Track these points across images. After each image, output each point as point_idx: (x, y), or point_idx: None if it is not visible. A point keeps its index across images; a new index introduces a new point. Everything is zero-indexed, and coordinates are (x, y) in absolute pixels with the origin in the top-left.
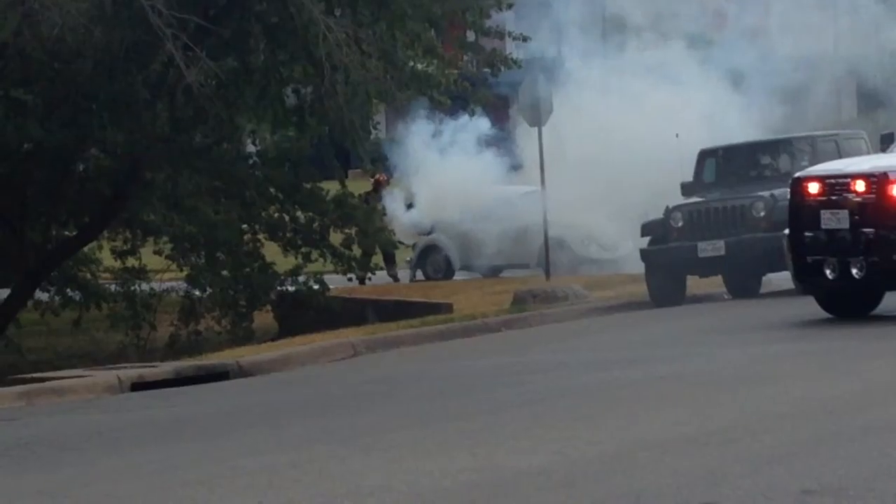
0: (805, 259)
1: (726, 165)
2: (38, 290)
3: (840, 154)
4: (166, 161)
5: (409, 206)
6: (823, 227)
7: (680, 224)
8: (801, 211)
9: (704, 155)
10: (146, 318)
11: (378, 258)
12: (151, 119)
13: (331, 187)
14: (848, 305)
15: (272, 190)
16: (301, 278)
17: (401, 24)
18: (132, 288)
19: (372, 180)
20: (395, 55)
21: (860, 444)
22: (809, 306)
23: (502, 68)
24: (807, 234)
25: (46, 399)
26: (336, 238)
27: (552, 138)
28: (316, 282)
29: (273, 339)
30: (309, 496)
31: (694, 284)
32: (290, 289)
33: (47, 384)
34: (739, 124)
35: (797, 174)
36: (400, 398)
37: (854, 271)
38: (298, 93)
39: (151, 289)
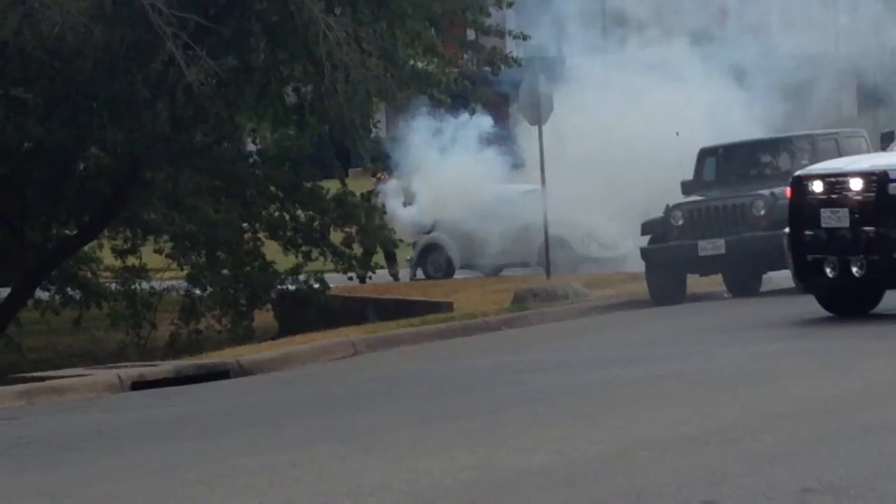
0: (805, 257)
1: (726, 164)
2: (38, 289)
3: (840, 152)
4: (167, 160)
5: (406, 204)
6: (824, 225)
7: (680, 223)
8: (802, 209)
9: (704, 153)
10: (146, 317)
11: (379, 257)
12: (152, 118)
13: (331, 186)
14: (848, 304)
15: (272, 189)
16: (301, 277)
17: (401, 22)
18: (132, 287)
19: (374, 179)
20: (396, 54)
21: (861, 444)
22: (810, 305)
23: (502, 67)
24: (807, 232)
25: (47, 398)
26: (336, 237)
27: (553, 137)
28: (316, 281)
29: (273, 338)
30: (309, 495)
31: (694, 283)
32: (291, 288)
33: (47, 383)
34: (740, 122)
35: (797, 173)
36: (400, 397)
37: (854, 270)
38: (299, 91)
39: (152, 288)
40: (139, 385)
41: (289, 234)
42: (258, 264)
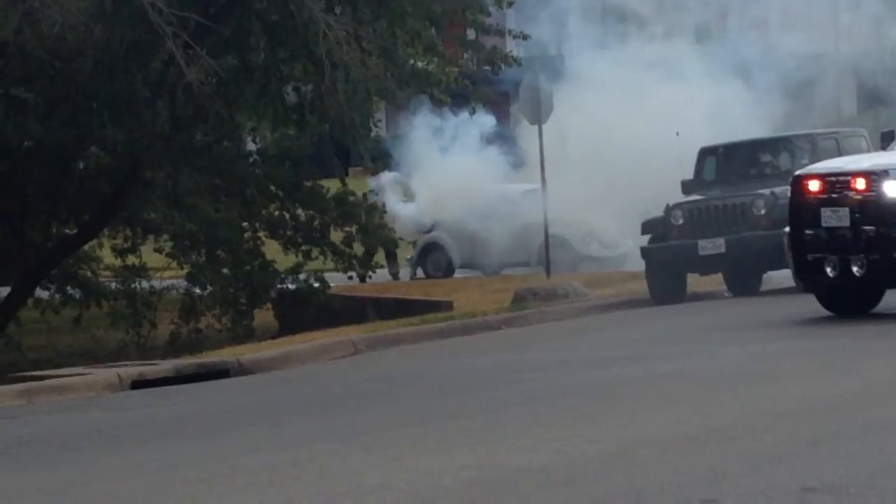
0: (805, 257)
1: (727, 163)
2: (38, 288)
3: (840, 152)
4: (167, 159)
5: (404, 200)
6: (824, 224)
7: (680, 222)
8: (802, 209)
9: (705, 153)
10: (146, 316)
11: (380, 256)
12: (152, 117)
13: (331, 185)
14: (848, 303)
15: (272, 188)
16: (301, 276)
17: (401, 21)
18: (133, 286)
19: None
20: (396, 53)
21: (861, 443)
22: (810, 304)
23: (502, 66)
24: (807, 231)
25: (47, 397)
26: (336, 236)
27: (553, 136)
28: (316, 280)
29: (273, 337)
30: (309, 494)
31: (694, 282)
32: (291, 287)
33: (47, 382)
34: (741, 121)
35: (798, 172)
36: (400, 396)
37: (855, 269)
38: (299, 91)
39: (152, 287)
40: (139, 384)
41: (289, 233)
42: (258, 263)
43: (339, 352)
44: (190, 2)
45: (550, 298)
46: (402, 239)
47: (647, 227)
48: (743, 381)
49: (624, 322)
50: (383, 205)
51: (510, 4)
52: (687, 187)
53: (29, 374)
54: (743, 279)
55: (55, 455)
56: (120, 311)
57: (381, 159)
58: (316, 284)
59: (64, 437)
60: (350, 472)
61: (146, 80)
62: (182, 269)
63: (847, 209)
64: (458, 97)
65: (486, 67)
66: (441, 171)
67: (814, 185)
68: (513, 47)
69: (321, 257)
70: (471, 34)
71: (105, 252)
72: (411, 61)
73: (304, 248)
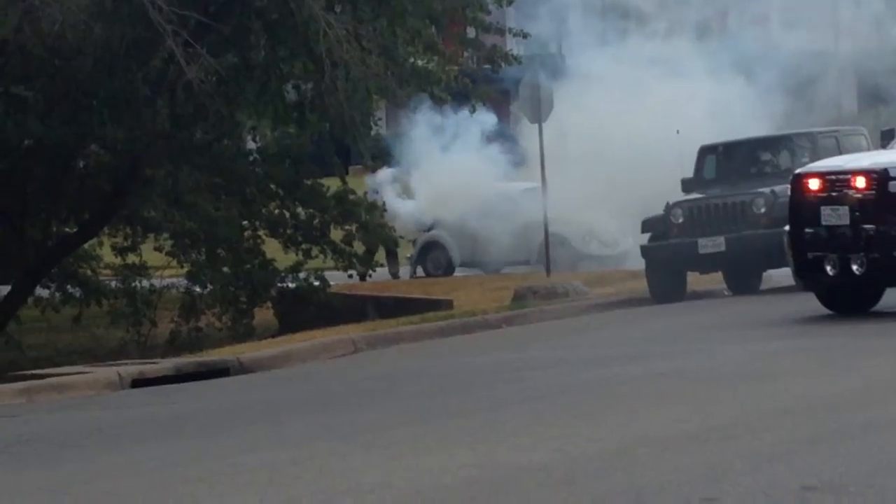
0: (805, 255)
1: (727, 162)
2: (38, 287)
3: (840, 150)
4: (166, 158)
5: (402, 196)
6: (824, 223)
7: (680, 220)
8: (802, 207)
9: (705, 151)
10: (147, 315)
11: (380, 255)
12: (152, 116)
13: (331, 184)
14: (848, 302)
15: (273, 186)
16: (301, 275)
17: (401, 20)
18: (133, 284)
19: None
20: (396, 51)
21: (860, 441)
22: (810, 303)
23: (503, 64)
24: (807, 230)
25: (47, 395)
26: (337, 235)
27: (553, 134)
28: (316, 278)
29: (273, 336)
30: (309, 493)
31: (694, 281)
32: (291, 285)
33: (47, 381)
34: (742, 119)
35: (797, 170)
36: (400, 395)
37: (854, 268)
38: (299, 89)
39: (152, 285)
40: (139, 382)
41: (289, 231)
42: (258, 262)
43: (339, 350)
44: (190, 0)
45: (550, 297)
46: (402, 237)
47: (647, 225)
48: (743, 379)
49: (624, 321)
50: (383, 203)
51: (510, 3)
52: (687, 186)
53: (29, 372)
54: (743, 278)
55: (55, 453)
56: (120, 310)
57: (382, 157)
58: (316, 283)
59: (64, 436)
60: (350, 471)
61: (146, 78)
62: (182, 267)
63: (847, 208)
64: (458, 95)
65: (487, 66)
66: (441, 170)
67: (814, 184)
68: (513, 46)
69: (321, 256)
70: (471, 32)
71: (105, 250)
72: (411, 60)
73: (304, 246)
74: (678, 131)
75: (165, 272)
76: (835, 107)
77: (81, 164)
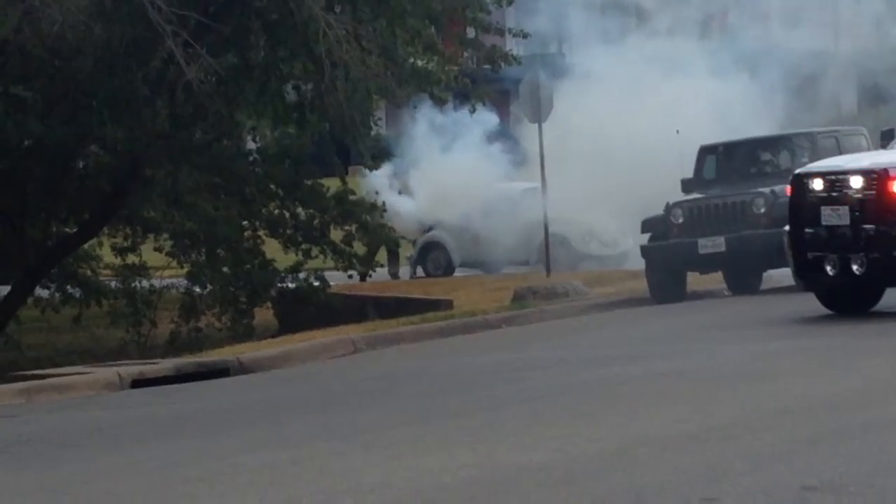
0: (805, 255)
1: (726, 162)
2: (38, 287)
3: (840, 150)
4: (166, 158)
5: (400, 192)
6: (824, 223)
7: (680, 220)
8: (802, 207)
9: (705, 151)
10: (147, 315)
11: (381, 255)
12: (151, 116)
13: (331, 184)
14: (848, 302)
15: (272, 186)
16: (301, 275)
17: (401, 20)
18: (133, 285)
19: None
20: (395, 52)
21: (861, 441)
22: (810, 303)
23: (502, 65)
24: (807, 230)
25: (47, 396)
26: (336, 235)
27: (553, 134)
28: (316, 279)
29: (273, 336)
30: (310, 493)
31: (694, 281)
32: (291, 285)
33: (47, 381)
34: (742, 119)
35: (797, 170)
36: (400, 395)
37: (855, 268)
38: (299, 89)
39: (152, 285)
40: (139, 383)
41: (289, 231)
42: (258, 262)
43: (339, 350)
44: (190, 0)
45: (550, 297)
46: (403, 237)
47: (647, 225)
48: (743, 379)
49: (624, 321)
50: (383, 203)
51: (510, 3)
52: (687, 186)
53: (29, 372)
54: (743, 278)
55: (55, 454)
56: (120, 310)
57: (381, 157)
58: (316, 283)
59: (64, 436)
60: (350, 471)
61: (146, 78)
62: (182, 267)
63: (847, 208)
64: (459, 95)
65: (486, 66)
66: (441, 170)
67: (814, 184)
68: (512, 46)
69: (321, 256)
70: (470, 33)
71: (105, 251)
72: (411, 60)
73: (303, 246)
74: (678, 131)
75: (165, 272)
76: (835, 106)
77: (81, 164)
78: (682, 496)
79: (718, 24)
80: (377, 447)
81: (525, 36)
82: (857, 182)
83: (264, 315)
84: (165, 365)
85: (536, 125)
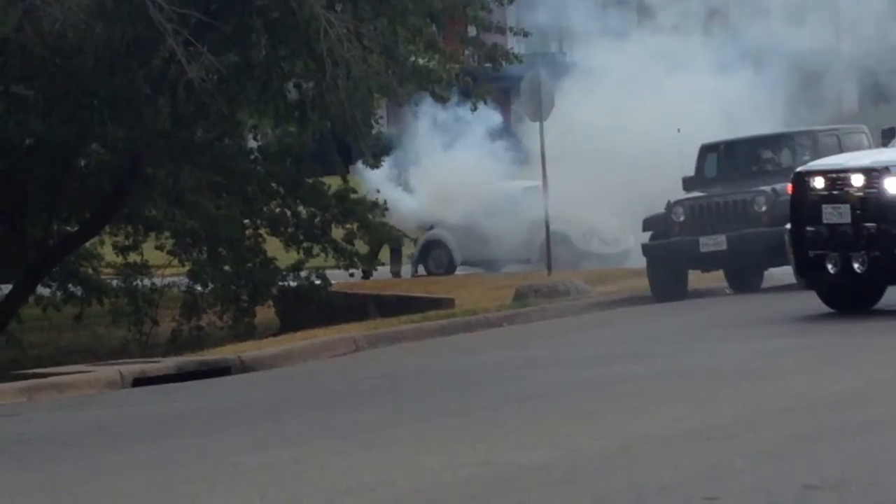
0: (807, 254)
1: (728, 160)
2: (39, 286)
3: (841, 148)
4: (167, 156)
5: (401, 188)
6: (825, 221)
7: (681, 219)
8: (803, 206)
9: (706, 149)
10: (148, 314)
11: (384, 254)
12: (153, 115)
13: (333, 182)
14: (850, 300)
15: (274, 185)
16: (303, 273)
17: (402, 19)
18: (134, 283)
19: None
20: (397, 50)
21: (862, 440)
22: (811, 301)
23: (504, 63)
24: (808, 228)
25: (48, 394)
26: (338, 233)
27: (554, 132)
28: (317, 277)
29: (275, 335)
30: (310, 492)
31: (695, 279)
32: (292, 284)
33: (49, 379)
34: (743, 117)
35: (799, 169)
36: (401, 393)
37: (856, 266)
38: (300, 88)
39: (153, 284)
40: (140, 381)
41: (290, 230)
42: (259, 261)
43: (340, 349)
44: None
45: (552, 295)
46: (405, 236)
47: (648, 223)
48: (744, 377)
49: (625, 319)
50: (385, 202)
51: (511, 1)
52: (688, 184)
53: (30, 371)
54: (744, 276)
55: (56, 452)
56: (121, 309)
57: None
58: (317, 282)
59: (65, 435)
60: (351, 470)
61: (147, 77)
62: (183, 266)
63: (848, 206)
64: (460, 93)
65: (488, 64)
66: (443, 168)
67: (815, 182)
68: (514, 44)
69: (322, 254)
70: (472, 31)
71: (106, 249)
72: (412, 58)
73: (305, 245)
74: (679, 130)
75: (167, 271)
76: (836, 105)
77: (82, 162)
78: (684, 495)
79: (720, 21)
80: (378, 446)
81: (526, 34)
82: (858, 180)
83: (266, 314)
84: (167, 363)
85: (538, 123)
